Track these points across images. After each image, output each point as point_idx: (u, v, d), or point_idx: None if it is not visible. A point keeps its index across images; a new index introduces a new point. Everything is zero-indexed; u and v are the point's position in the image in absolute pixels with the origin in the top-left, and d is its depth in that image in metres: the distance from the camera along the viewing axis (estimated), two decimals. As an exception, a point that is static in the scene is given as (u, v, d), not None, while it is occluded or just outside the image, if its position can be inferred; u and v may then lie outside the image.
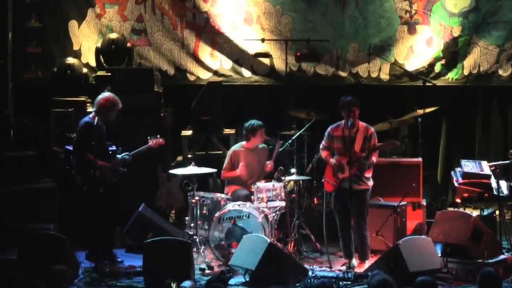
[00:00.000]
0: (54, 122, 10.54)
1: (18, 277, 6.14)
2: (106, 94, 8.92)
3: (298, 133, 9.92)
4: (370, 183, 8.82)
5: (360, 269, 8.63)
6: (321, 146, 9.02)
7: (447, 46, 11.37)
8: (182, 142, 10.81)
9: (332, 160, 8.81)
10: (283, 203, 9.31)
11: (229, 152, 9.91)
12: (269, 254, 8.15)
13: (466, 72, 11.39)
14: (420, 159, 9.99)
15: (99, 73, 10.97)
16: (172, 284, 7.41)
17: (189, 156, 10.55)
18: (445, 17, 11.35)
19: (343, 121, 8.81)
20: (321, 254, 9.50)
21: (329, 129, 8.94)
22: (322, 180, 9.00)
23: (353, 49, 11.50)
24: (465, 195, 9.21)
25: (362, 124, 8.81)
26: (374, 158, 8.73)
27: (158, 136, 9.15)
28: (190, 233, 9.23)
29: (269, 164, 9.76)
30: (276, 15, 11.51)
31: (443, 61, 11.40)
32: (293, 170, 9.49)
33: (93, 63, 11.34)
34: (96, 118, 8.67)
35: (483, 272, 6.46)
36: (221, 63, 11.66)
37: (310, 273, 8.27)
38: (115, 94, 8.96)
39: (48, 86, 10.98)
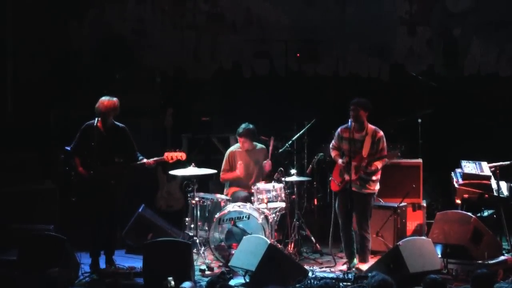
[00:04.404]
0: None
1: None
2: (103, 98, 8.71)
3: (298, 134, 9.90)
4: (377, 187, 8.75)
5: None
6: (331, 146, 8.96)
7: (446, 46, 11.36)
8: (182, 142, 10.82)
9: (340, 161, 8.78)
10: (283, 204, 9.29)
11: (226, 153, 9.89)
12: (269, 255, 8.14)
13: (466, 73, 11.38)
14: (420, 160, 9.99)
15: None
16: (171, 282, 7.41)
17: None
18: (445, 17, 11.35)
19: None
20: (321, 255, 9.51)
21: (338, 129, 8.85)
22: (329, 179, 8.96)
23: (353, 50, 11.50)
24: (465, 196, 9.19)
25: (371, 127, 8.69)
26: (378, 164, 8.61)
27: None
28: (190, 234, 9.22)
29: (267, 163, 9.72)
30: (276, 15, 11.51)
31: (442, 62, 11.40)
32: (293, 171, 9.48)
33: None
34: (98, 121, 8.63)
35: (475, 273, 6.67)
36: (221, 63, 11.66)
37: (310, 274, 8.27)
38: (114, 95, 8.87)
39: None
